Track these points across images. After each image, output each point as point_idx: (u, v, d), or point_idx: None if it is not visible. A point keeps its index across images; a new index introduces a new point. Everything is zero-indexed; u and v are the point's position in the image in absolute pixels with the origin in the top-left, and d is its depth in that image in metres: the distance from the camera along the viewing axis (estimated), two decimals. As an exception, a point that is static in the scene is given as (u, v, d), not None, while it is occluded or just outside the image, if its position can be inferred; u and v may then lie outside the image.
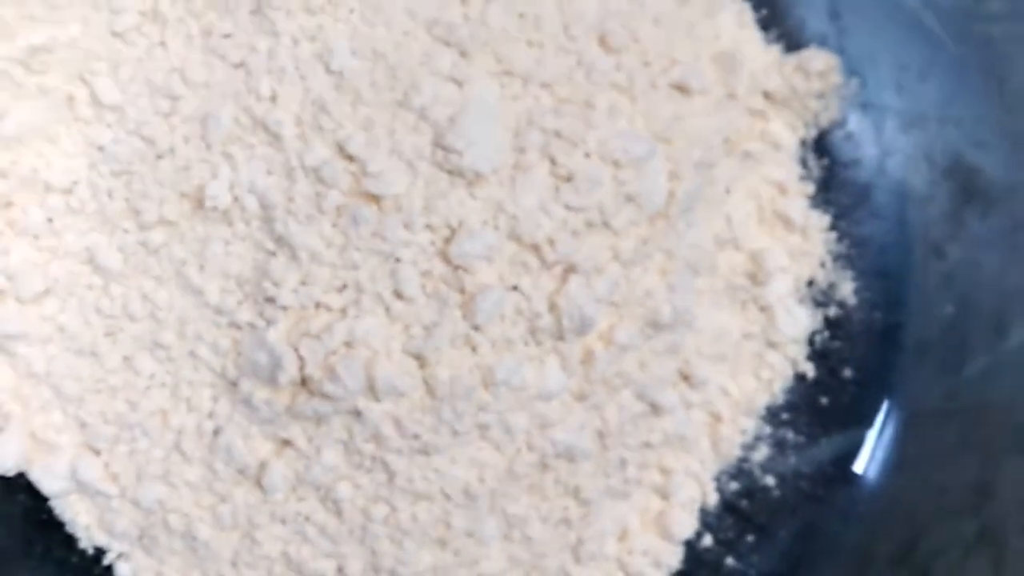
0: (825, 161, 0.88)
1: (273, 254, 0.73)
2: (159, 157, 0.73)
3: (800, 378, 0.88)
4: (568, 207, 0.73)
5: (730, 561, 0.88)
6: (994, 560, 0.81)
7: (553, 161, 0.73)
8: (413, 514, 0.77)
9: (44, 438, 0.76)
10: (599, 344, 0.77)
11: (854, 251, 0.88)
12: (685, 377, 0.83)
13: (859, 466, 0.88)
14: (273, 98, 0.72)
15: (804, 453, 0.88)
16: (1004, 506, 0.82)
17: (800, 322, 0.86)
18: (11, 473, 0.76)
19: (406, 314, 0.73)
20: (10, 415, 0.75)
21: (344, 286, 0.73)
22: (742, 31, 0.85)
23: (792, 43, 0.88)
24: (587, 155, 0.74)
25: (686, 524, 0.86)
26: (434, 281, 0.73)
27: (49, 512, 0.78)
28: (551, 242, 0.73)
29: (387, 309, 0.73)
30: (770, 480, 0.88)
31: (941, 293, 0.87)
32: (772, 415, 0.88)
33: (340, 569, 0.78)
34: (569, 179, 0.73)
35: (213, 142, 0.72)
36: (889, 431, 0.88)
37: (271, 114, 0.71)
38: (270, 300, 0.73)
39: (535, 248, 0.73)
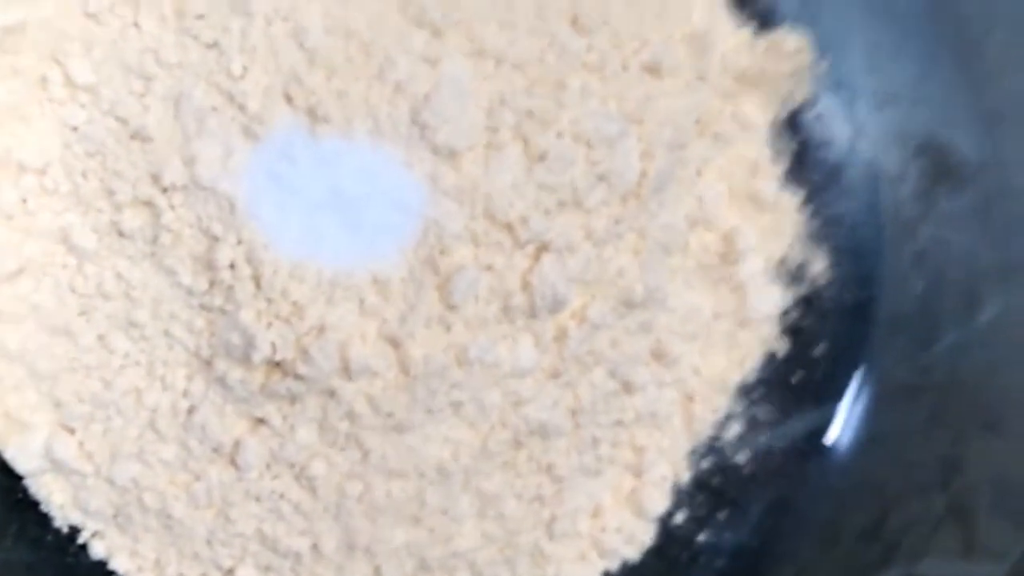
0: (797, 141, 0.88)
1: (247, 233, 0.73)
2: (132, 137, 0.73)
3: (772, 356, 0.89)
4: (541, 186, 0.74)
5: (702, 537, 0.88)
6: (963, 536, 0.82)
7: (526, 140, 0.74)
8: (387, 491, 0.77)
9: (18, 417, 0.76)
10: (572, 322, 0.77)
11: (826, 230, 0.88)
12: (657, 356, 0.83)
13: (830, 441, 0.89)
14: (244, 75, 0.72)
15: (776, 430, 0.89)
16: (973, 482, 0.83)
17: (772, 300, 0.87)
18: (-15, 452, 0.76)
19: (381, 295, 0.73)
20: (-17, 395, 0.75)
21: (317, 265, 0.73)
22: (713, 12, 0.85)
23: (763, 23, 0.88)
24: (559, 135, 0.74)
25: (659, 501, 0.87)
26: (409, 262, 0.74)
27: (24, 491, 0.78)
28: (524, 221, 0.74)
29: (361, 290, 0.73)
30: (742, 457, 0.88)
31: (913, 271, 0.88)
32: (744, 393, 0.88)
33: (315, 546, 0.79)
34: (542, 158, 0.74)
35: (186, 122, 0.72)
36: (860, 407, 0.89)
37: (241, 88, 0.72)
38: (242, 280, 0.73)
39: (508, 227, 0.74)
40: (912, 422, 0.87)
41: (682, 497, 0.88)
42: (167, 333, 0.75)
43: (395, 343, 0.74)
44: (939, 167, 0.88)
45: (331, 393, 0.74)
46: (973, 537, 0.82)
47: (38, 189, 0.74)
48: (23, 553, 0.79)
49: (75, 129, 0.74)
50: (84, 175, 0.74)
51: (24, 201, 0.74)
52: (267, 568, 0.80)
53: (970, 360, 0.86)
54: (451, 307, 0.74)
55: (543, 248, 0.75)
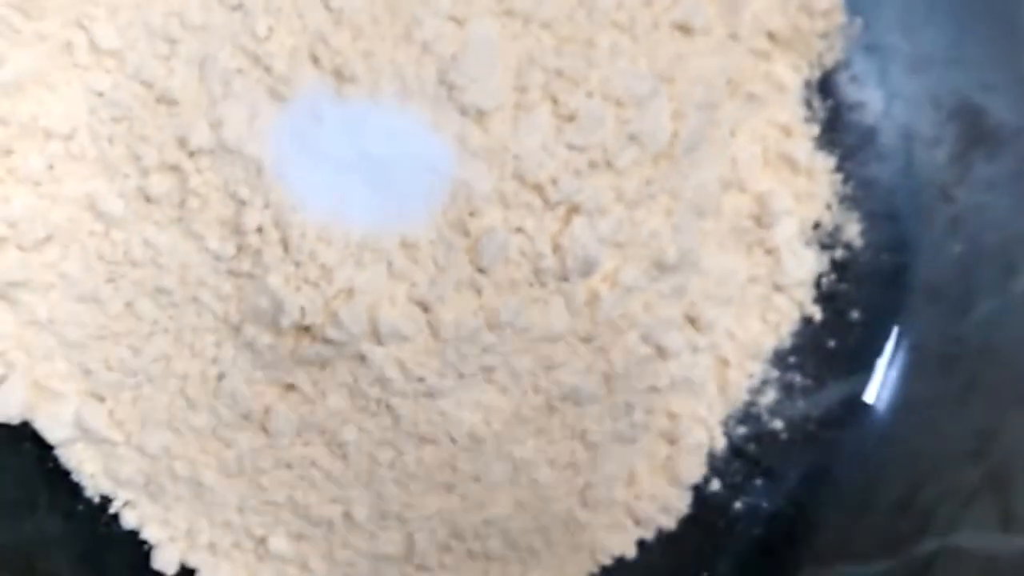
0: (830, 102, 0.87)
1: (274, 197, 0.73)
2: (158, 102, 0.72)
3: (807, 321, 0.88)
4: (571, 146, 0.73)
5: (738, 505, 0.88)
6: (999, 508, 0.81)
7: (555, 100, 0.73)
8: (419, 458, 0.77)
9: (48, 386, 0.76)
10: (604, 285, 0.76)
11: (860, 193, 0.87)
12: (691, 320, 0.82)
13: (865, 408, 0.88)
14: (269, 37, 0.71)
15: (811, 396, 0.88)
16: (1010, 453, 0.82)
17: (806, 264, 0.86)
18: (15, 421, 0.76)
19: (410, 258, 0.73)
20: (13, 363, 0.75)
21: (345, 229, 0.73)
22: (743, -31, 0.84)
23: (795, -17, 0.87)
24: (589, 94, 0.73)
25: (694, 469, 0.86)
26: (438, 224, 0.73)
27: (55, 461, 0.78)
28: (554, 182, 0.73)
29: (389, 253, 0.73)
30: (778, 424, 0.88)
31: (949, 236, 0.87)
32: (779, 359, 0.88)
33: (347, 514, 0.79)
34: (571, 118, 0.73)
35: (212, 85, 0.72)
36: (895, 374, 0.88)
37: (266, 50, 0.71)
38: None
39: (538, 188, 0.73)
40: (947, 391, 0.86)
41: (717, 464, 0.87)
42: (195, 299, 0.74)
43: (425, 307, 0.73)
44: (974, 131, 0.86)
45: (361, 358, 0.73)
46: (1010, 509, 0.81)
47: (64, 155, 0.74)
48: (55, 524, 0.79)
49: (101, 94, 0.73)
50: (110, 140, 0.73)
51: (51, 168, 0.73)
52: (299, 536, 0.79)
53: (1006, 328, 0.84)
54: (481, 270, 0.73)
55: (573, 210, 0.74)
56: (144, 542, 0.80)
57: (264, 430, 0.76)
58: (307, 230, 0.72)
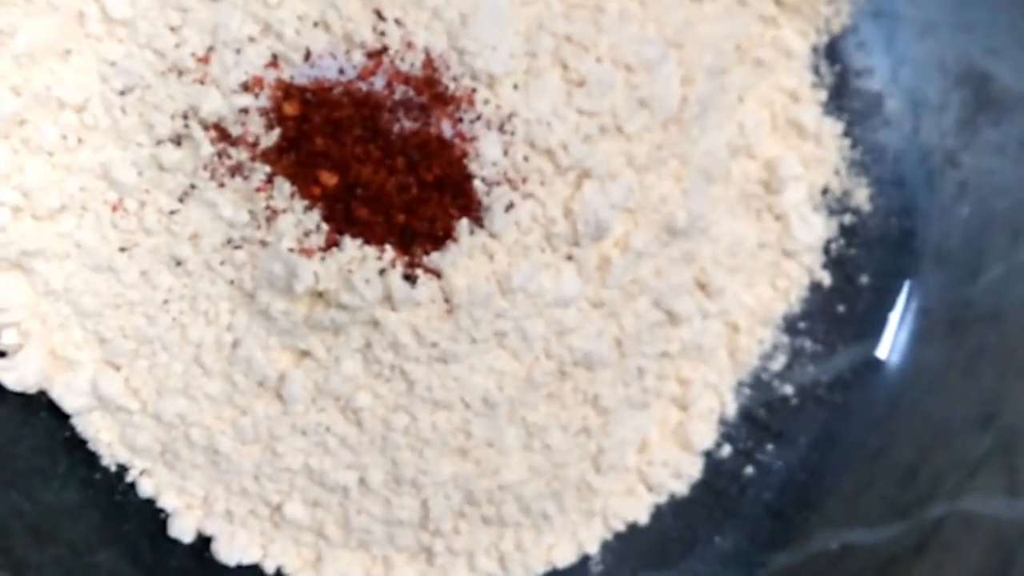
0: (837, 68, 0.87)
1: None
2: (170, 70, 0.72)
3: (816, 286, 0.88)
4: (581, 112, 0.73)
5: (749, 470, 0.88)
6: (1007, 473, 0.82)
7: (565, 66, 0.73)
8: (433, 423, 0.77)
9: (64, 355, 0.76)
10: (615, 250, 0.77)
11: (868, 158, 0.88)
12: (701, 286, 0.83)
13: (874, 373, 0.88)
14: (280, 3, 0.71)
15: (821, 361, 0.88)
16: (1016, 420, 0.83)
17: (815, 230, 0.86)
18: (32, 391, 0.76)
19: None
20: (29, 333, 0.75)
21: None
22: (752, -66, 0.84)
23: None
24: (599, 59, 0.73)
25: (705, 435, 0.87)
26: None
27: (71, 430, 0.78)
28: (564, 147, 0.73)
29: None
30: (788, 389, 0.88)
31: (956, 201, 0.87)
32: (789, 324, 0.88)
33: (362, 480, 0.79)
34: (581, 84, 0.73)
35: (223, 52, 0.72)
36: (904, 339, 0.88)
37: (278, 16, 0.71)
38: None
39: (549, 153, 0.73)
40: (956, 357, 0.87)
41: (728, 430, 0.88)
42: (209, 267, 0.74)
43: (437, 272, 0.73)
44: (981, 96, 0.87)
45: (374, 323, 0.74)
46: (1017, 475, 0.81)
47: (78, 125, 0.74)
48: (72, 494, 0.79)
49: (113, 64, 0.73)
50: (123, 110, 0.73)
51: (64, 138, 0.73)
52: (315, 503, 0.80)
53: (1015, 292, 0.85)
54: (492, 235, 0.73)
55: (584, 175, 0.74)
56: (161, 510, 0.80)
57: (279, 397, 0.76)
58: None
